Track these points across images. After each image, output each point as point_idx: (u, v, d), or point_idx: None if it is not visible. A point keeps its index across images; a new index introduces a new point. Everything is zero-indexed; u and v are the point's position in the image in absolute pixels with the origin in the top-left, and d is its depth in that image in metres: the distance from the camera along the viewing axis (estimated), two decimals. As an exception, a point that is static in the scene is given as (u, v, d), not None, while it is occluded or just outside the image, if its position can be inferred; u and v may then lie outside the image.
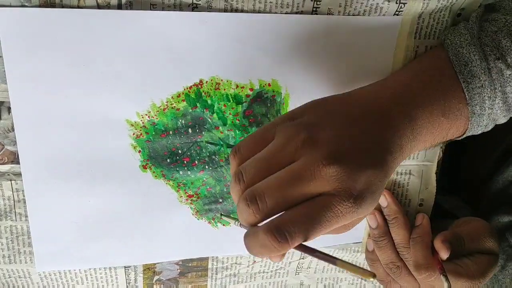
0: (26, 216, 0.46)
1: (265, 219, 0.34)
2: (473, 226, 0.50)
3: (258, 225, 0.35)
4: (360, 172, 0.34)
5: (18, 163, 0.43)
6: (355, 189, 0.34)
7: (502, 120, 0.45)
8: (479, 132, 0.45)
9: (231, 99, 0.45)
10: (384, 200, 0.53)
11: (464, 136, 0.45)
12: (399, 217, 0.52)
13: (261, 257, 0.36)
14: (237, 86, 0.45)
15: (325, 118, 0.37)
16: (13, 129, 0.42)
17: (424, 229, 0.50)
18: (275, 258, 0.36)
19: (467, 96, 0.42)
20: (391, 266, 0.51)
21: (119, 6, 0.40)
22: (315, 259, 0.56)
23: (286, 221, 0.33)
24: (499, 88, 0.42)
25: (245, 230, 0.36)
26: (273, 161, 0.35)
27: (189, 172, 0.47)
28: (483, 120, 0.43)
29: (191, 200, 0.49)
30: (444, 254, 0.46)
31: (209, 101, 0.45)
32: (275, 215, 0.34)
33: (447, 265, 0.47)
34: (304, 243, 0.34)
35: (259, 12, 0.42)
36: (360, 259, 0.58)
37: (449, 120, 0.41)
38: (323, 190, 0.34)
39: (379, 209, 0.53)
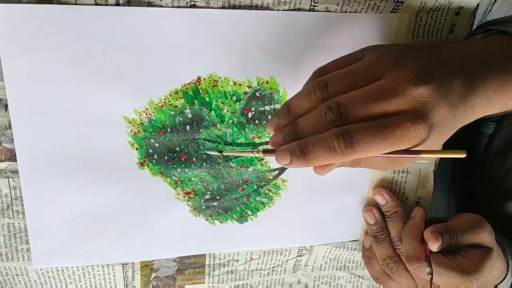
0: (24, 214, 0.46)
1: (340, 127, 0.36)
2: (464, 219, 0.49)
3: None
4: (442, 103, 0.36)
5: (15, 160, 0.43)
6: (431, 117, 0.35)
7: None
8: None
9: (229, 96, 0.45)
10: (382, 198, 0.53)
11: None
12: (399, 211, 0.52)
13: (314, 163, 0.37)
14: (235, 84, 0.45)
15: (411, 52, 0.39)
16: (10, 127, 0.42)
17: (416, 221, 0.50)
18: (322, 169, 0.38)
19: None
20: (389, 261, 0.51)
21: (117, 4, 0.40)
22: (312, 257, 0.56)
23: (357, 129, 0.35)
24: None
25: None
26: (361, 76, 0.37)
27: (186, 170, 0.47)
28: None
29: (189, 197, 0.49)
30: (432, 244, 0.46)
31: (207, 99, 0.45)
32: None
33: (438, 258, 0.46)
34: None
35: (256, 9, 0.42)
36: (357, 257, 0.58)
37: None
38: (402, 108, 0.35)
39: (376, 206, 0.53)
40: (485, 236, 0.47)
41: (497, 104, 0.41)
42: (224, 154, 0.47)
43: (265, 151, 0.41)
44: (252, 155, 0.43)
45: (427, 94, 0.35)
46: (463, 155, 0.34)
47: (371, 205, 0.54)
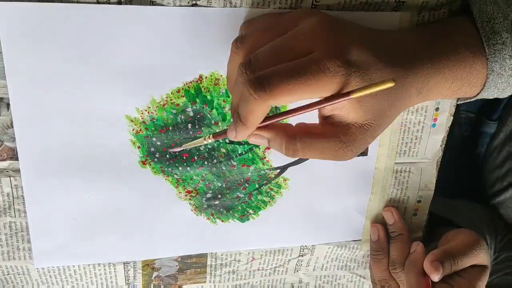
0: (25, 213, 0.46)
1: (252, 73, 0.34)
2: (463, 239, 0.49)
3: None
4: (364, 48, 0.35)
5: (17, 159, 0.43)
6: (348, 53, 0.34)
7: None
8: (493, 96, 0.43)
9: (230, 95, 0.45)
10: (391, 217, 0.53)
11: (477, 97, 0.43)
12: (404, 234, 0.52)
13: (245, 121, 0.35)
14: (236, 82, 0.45)
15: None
16: (12, 126, 0.42)
17: (418, 255, 0.50)
18: (242, 131, 0.36)
19: (487, 51, 0.40)
20: (384, 284, 0.52)
21: (119, 3, 0.40)
22: (314, 257, 0.56)
23: (269, 71, 0.33)
24: None
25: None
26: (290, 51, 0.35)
27: (188, 168, 0.47)
28: (501, 82, 0.42)
29: (190, 196, 0.49)
30: (434, 276, 0.45)
31: (208, 97, 0.45)
32: (263, 69, 0.33)
33: (438, 285, 0.46)
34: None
35: (257, 7, 0.42)
36: (359, 257, 0.58)
37: (473, 55, 0.40)
38: (316, 48, 0.34)
39: (384, 224, 0.54)
40: (483, 256, 0.48)
41: (434, 92, 0.41)
42: (184, 147, 0.45)
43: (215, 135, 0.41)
44: (205, 141, 0.41)
45: (346, 40, 0.35)
46: (391, 84, 0.31)
47: (379, 223, 0.55)
